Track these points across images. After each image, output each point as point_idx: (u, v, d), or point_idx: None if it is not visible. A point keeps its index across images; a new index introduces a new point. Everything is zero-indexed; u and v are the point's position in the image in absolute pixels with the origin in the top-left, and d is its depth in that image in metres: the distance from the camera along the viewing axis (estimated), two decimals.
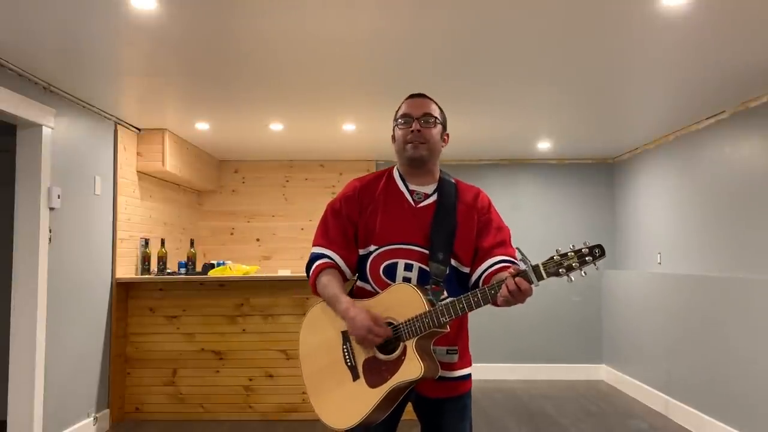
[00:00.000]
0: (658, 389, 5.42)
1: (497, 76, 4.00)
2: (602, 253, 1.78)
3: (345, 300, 2.01)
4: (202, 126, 5.35)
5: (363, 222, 2.09)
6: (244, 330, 5.12)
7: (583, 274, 1.80)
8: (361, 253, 2.11)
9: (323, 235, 2.14)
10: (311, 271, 2.12)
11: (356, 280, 2.17)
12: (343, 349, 2.02)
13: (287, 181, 7.08)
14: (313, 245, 2.15)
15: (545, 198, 7.04)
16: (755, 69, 3.73)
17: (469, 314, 1.96)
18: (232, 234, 7.05)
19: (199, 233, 6.94)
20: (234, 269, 5.29)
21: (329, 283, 2.06)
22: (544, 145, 6.30)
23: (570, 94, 4.44)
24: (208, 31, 3.21)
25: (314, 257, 2.13)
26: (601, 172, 7.05)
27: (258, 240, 7.02)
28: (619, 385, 6.31)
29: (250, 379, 5.09)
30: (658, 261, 5.78)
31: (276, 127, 5.40)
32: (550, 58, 3.64)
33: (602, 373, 6.80)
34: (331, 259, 2.09)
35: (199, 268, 5.78)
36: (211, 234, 7.03)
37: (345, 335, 2.03)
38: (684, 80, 4.04)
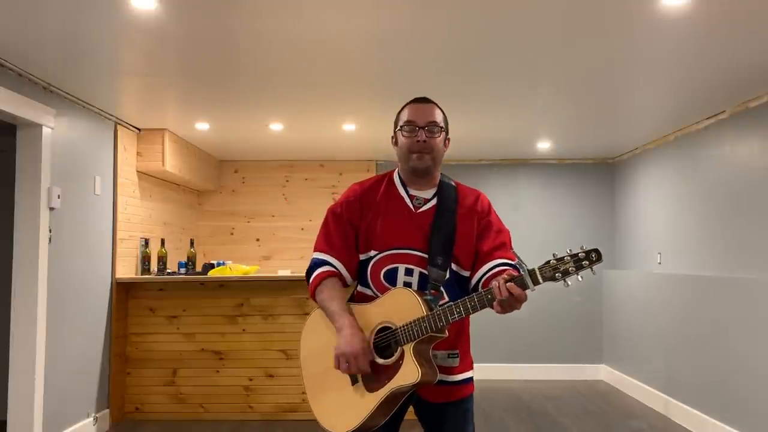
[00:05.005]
0: (658, 389, 5.42)
1: (497, 76, 4.00)
2: (599, 258, 1.77)
3: (341, 322, 1.97)
4: (202, 126, 5.35)
5: (364, 226, 2.08)
6: (244, 330, 5.11)
7: (580, 279, 1.79)
8: (361, 258, 2.10)
9: (325, 241, 2.11)
10: (312, 279, 2.09)
11: (357, 285, 2.15)
12: None
13: (287, 181, 7.08)
14: (315, 250, 2.13)
15: (545, 198, 7.04)
16: (755, 69, 3.73)
17: (471, 316, 1.96)
18: (232, 234, 7.04)
19: (199, 233, 6.94)
20: (234, 269, 5.29)
21: (331, 297, 2.03)
22: (544, 145, 6.30)
23: (570, 94, 4.44)
24: (208, 31, 3.21)
25: (316, 263, 2.10)
26: (601, 172, 7.05)
27: (258, 240, 7.02)
28: (619, 385, 6.31)
29: (250, 379, 5.09)
30: (658, 261, 5.78)
31: (276, 127, 5.39)
32: (550, 58, 3.64)
33: (602, 373, 6.80)
34: (333, 266, 2.07)
35: (199, 268, 5.78)
36: (211, 234, 7.03)
37: None
38: (684, 80, 4.04)
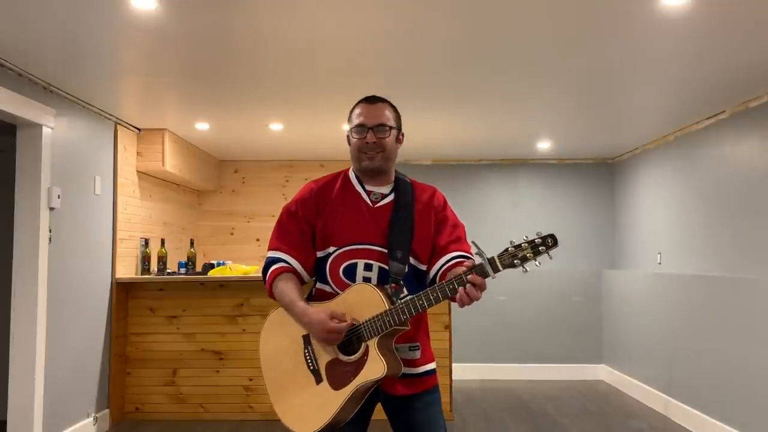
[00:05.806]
0: (658, 389, 5.43)
1: (497, 76, 4.00)
2: (555, 243, 1.83)
3: (300, 305, 2.01)
4: (202, 126, 5.35)
5: (321, 224, 2.09)
6: (244, 330, 5.12)
7: (537, 264, 1.85)
8: (319, 255, 2.11)
9: (279, 239, 2.13)
10: (267, 276, 2.11)
11: (315, 283, 2.16)
12: (305, 353, 2.02)
13: (287, 181, 7.08)
14: (269, 249, 2.15)
15: (545, 198, 7.04)
16: (755, 69, 3.73)
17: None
18: (232, 234, 7.05)
19: (199, 233, 6.94)
20: (234, 269, 5.29)
21: (285, 288, 2.05)
22: (544, 145, 6.30)
23: (570, 94, 4.44)
24: (208, 31, 3.21)
25: (270, 262, 2.12)
26: (601, 172, 7.05)
27: (258, 240, 7.02)
28: (619, 385, 6.31)
29: (250, 379, 5.09)
30: (658, 261, 5.78)
31: (276, 127, 5.40)
32: (550, 58, 3.64)
33: (602, 373, 6.80)
34: (287, 263, 2.09)
35: (199, 268, 5.78)
36: (211, 234, 7.03)
37: (306, 339, 2.03)
38: (684, 80, 4.04)
